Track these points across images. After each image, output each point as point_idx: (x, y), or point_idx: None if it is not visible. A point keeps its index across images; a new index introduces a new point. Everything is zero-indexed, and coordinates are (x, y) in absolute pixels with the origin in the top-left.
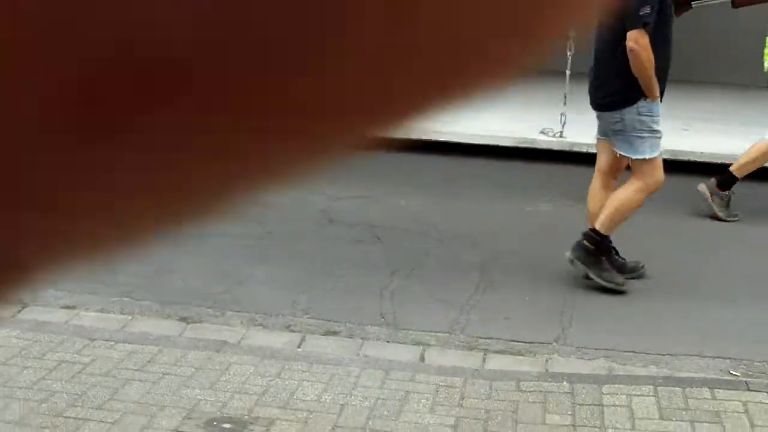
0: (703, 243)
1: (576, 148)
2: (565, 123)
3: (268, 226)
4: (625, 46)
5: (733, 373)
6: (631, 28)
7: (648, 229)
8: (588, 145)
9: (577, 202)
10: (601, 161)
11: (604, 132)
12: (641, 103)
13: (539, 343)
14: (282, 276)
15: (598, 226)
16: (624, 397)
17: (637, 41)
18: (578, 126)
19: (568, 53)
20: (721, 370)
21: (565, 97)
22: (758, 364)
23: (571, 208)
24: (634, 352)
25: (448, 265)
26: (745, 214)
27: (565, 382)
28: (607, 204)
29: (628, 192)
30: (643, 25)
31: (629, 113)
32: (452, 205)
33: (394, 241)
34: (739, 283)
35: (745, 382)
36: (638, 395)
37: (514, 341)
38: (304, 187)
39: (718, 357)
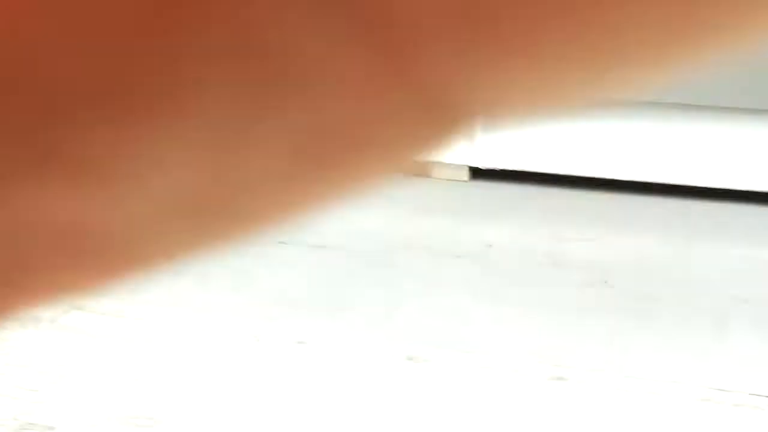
0: None
1: None
2: None
3: (490, 268)
4: None
5: None
6: None
7: None
8: None
9: None
10: None
11: None
12: None
13: None
14: (506, 318)
15: None
16: None
17: None
18: None
19: None
20: None
21: None
22: None
23: None
24: None
25: (680, 311)
26: None
27: None
28: None
29: None
30: None
31: None
32: (686, 249)
33: (624, 284)
34: None
35: None
36: None
37: (753, 395)
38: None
39: None
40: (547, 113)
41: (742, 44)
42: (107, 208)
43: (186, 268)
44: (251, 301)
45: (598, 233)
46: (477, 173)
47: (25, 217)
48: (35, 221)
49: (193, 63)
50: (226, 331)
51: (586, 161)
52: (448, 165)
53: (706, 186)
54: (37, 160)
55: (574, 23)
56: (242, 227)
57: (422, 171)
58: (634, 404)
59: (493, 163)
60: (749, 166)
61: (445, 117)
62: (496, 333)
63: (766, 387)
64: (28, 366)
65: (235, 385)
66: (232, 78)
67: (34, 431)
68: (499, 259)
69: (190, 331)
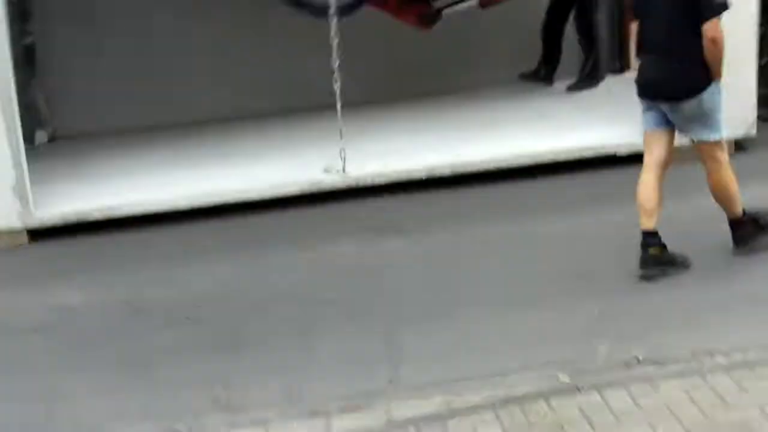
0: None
1: (361, 183)
2: (345, 158)
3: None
4: (695, 34)
5: (563, 379)
6: (710, 18)
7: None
8: (372, 176)
9: (378, 236)
10: (655, 154)
11: (663, 122)
12: (714, 86)
13: (376, 392)
14: (98, 382)
15: (732, 216)
16: (470, 428)
17: (717, 30)
18: (359, 160)
19: (336, 86)
20: (550, 377)
21: (341, 131)
22: (581, 364)
23: (375, 243)
24: (468, 378)
25: (269, 330)
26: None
27: (411, 428)
28: (718, 196)
29: (722, 174)
30: (719, 14)
31: (708, 96)
32: (256, 266)
33: (208, 317)
34: (535, 284)
35: (576, 386)
36: (482, 423)
37: (351, 395)
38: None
39: (546, 363)
40: None
41: None
42: None
43: None
44: None
45: (173, 272)
46: (37, 235)
47: None
48: None
49: None
50: None
51: (145, 199)
52: (3, 231)
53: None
54: None
55: None
56: None
57: None
58: None
59: (51, 222)
60: (299, 168)
61: None
62: (88, 402)
63: (362, 385)
64: None
65: None
66: None
67: None
68: (76, 323)
69: None
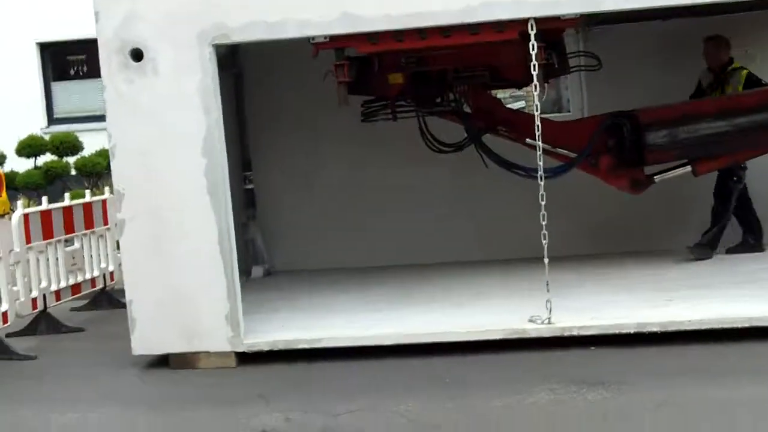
0: None
1: (567, 333)
2: (551, 309)
3: None
4: None
5: None
6: None
7: None
8: (578, 327)
9: (579, 387)
10: None
11: None
12: None
13: None
14: None
15: None
16: None
17: None
18: (565, 311)
19: (544, 241)
20: None
21: (548, 283)
22: None
23: (573, 395)
24: None
25: None
26: None
27: None
28: None
29: None
30: None
31: None
32: (453, 405)
33: None
34: None
35: None
36: None
37: None
38: None
39: None
40: None
41: None
42: None
43: None
44: None
45: (369, 402)
46: (245, 358)
47: None
48: None
49: None
50: None
51: (346, 333)
52: (214, 353)
53: (466, 340)
54: None
55: None
56: None
57: (187, 362)
58: None
59: (259, 348)
60: (503, 315)
61: None
62: None
63: None
64: None
65: None
66: None
67: None
68: None
69: None
